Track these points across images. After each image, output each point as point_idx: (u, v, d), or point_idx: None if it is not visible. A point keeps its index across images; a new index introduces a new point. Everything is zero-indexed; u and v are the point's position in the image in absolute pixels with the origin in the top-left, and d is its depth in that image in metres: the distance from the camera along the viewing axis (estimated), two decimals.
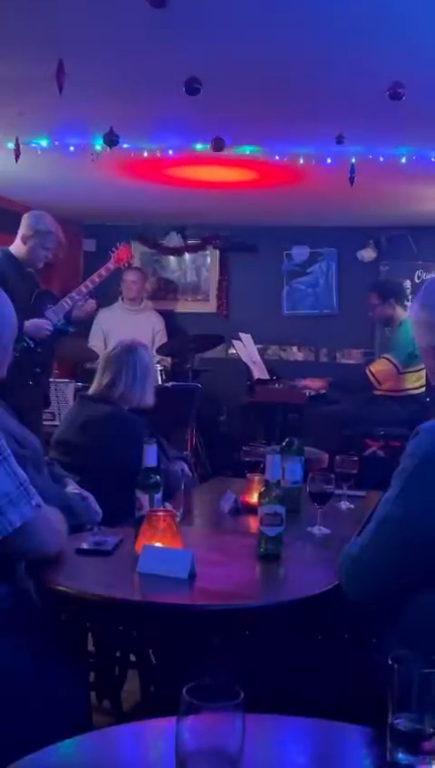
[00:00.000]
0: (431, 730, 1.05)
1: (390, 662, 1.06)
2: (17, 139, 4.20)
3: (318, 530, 2.52)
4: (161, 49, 3.08)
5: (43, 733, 1.41)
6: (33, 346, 4.11)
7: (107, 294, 5.93)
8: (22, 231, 4.18)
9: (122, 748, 1.20)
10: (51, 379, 4.57)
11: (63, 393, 5.32)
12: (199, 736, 0.97)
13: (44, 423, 4.46)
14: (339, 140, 3.89)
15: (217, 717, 0.98)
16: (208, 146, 4.22)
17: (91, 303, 4.44)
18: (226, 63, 3.24)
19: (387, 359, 5.27)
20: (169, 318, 6.96)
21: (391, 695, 1.06)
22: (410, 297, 6.58)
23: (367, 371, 5.32)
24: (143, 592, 1.84)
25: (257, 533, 2.03)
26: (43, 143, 4.51)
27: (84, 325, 5.11)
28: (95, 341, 6.37)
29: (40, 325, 4.10)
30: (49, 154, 4.61)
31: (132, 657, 2.61)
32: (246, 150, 4.52)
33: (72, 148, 4.53)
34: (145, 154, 4.59)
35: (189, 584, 1.79)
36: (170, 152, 4.57)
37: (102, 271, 4.51)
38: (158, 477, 2.12)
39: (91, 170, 4.91)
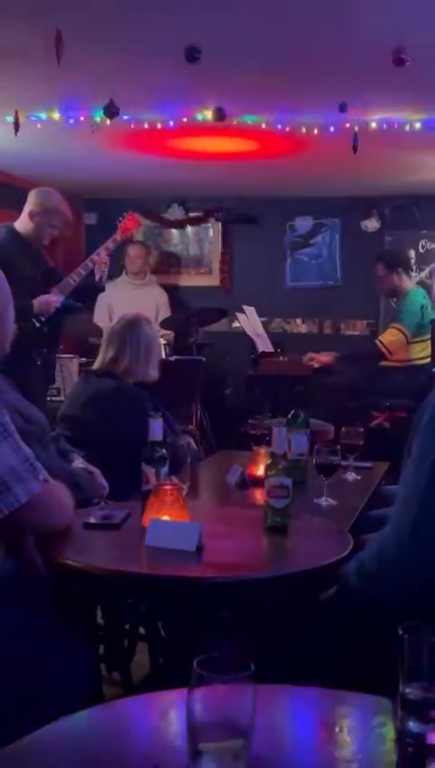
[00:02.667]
0: None
1: (400, 631, 1.05)
2: (16, 112, 4.15)
3: (325, 501, 2.52)
4: (160, 16, 3.03)
5: (53, 705, 1.42)
6: (39, 326, 4.08)
7: (110, 269, 5.88)
8: (29, 207, 4.13)
9: (132, 720, 1.20)
10: (56, 356, 4.56)
11: (68, 368, 5.31)
12: (210, 708, 0.97)
13: (50, 399, 4.46)
14: (342, 108, 3.84)
15: (228, 689, 0.98)
16: (209, 116, 4.16)
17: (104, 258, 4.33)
18: (226, 31, 3.18)
19: (397, 328, 5.22)
20: (172, 292, 6.93)
21: (402, 664, 1.06)
22: (414, 267, 6.53)
23: (377, 343, 5.28)
24: (151, 565, 1.84)
25: (264, 506, 2.03)
26: (43, 116, 4.45)
27: (90, 301, 5.08)
28: (100, 317, 6.35)
29: (47, 301, 4.06)
30: (49, 127, 4.56)
31: (142, 630, 2.63)
32: (248, 120, 4.46)
33: (71, 121, 4.48)
34: (145, 125, 4.54)
35: (197, 557, 1.79)
36: (171, 123, 4.51)
37: (109, 243, 4.42)
38: (164, 451, 2.11)
39: (91, 143, 4.86)
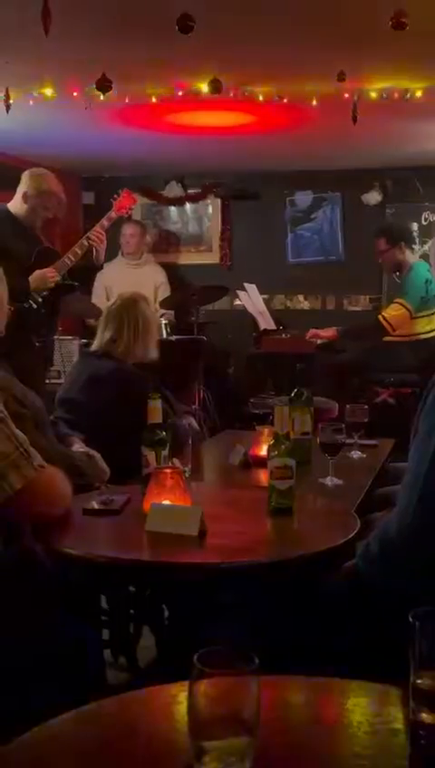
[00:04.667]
0: None
1: (411, 619, 1.00)
2: (7, 90, 4.05)
3: (330, 481, 2.47)
4: None
5: (56, 693, 1.38)
6: (36, 307, 4.02)
7: (107, 250, 5.81)
8: (22, 189, 4.05)
9: (136, 715, 1.16)
10: (55, 337, 4.50)
11: (68, 350, 5.26)
12: (213, 703, 0.93)
13: (50, 381, 4.41)
14: (340, 78, 3.73)
15: (232, 683, 0.93)
16: (206, 88, 4.06)
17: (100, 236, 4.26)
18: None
19: (400, 303, 5.14)
20: (171, 271, 6.85)
21: (413, 652, 1.01)
22: (417, 240, 6.44)
23: (380, 318, 5.20)
24: (152, 552, 1.80)
25: (268, 487, 1.97)
26: (35, 93, 4.35)
27: (88, 281, 5.00)
28: (98, 299, 6.28)
29: (44, 276, 3.99)
30: (41, 104, 4.46)
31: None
32: (245, 92, 4.36)
33: (64, 97, 4.38)
34: (141, 100, 4.43)
35: (200, 541, 1.75)
36: (167, 97, 4.41)
37: (104, 221, 4.35)
38: (163, 434, 2.07)
39: (86, 120, 4.76)
